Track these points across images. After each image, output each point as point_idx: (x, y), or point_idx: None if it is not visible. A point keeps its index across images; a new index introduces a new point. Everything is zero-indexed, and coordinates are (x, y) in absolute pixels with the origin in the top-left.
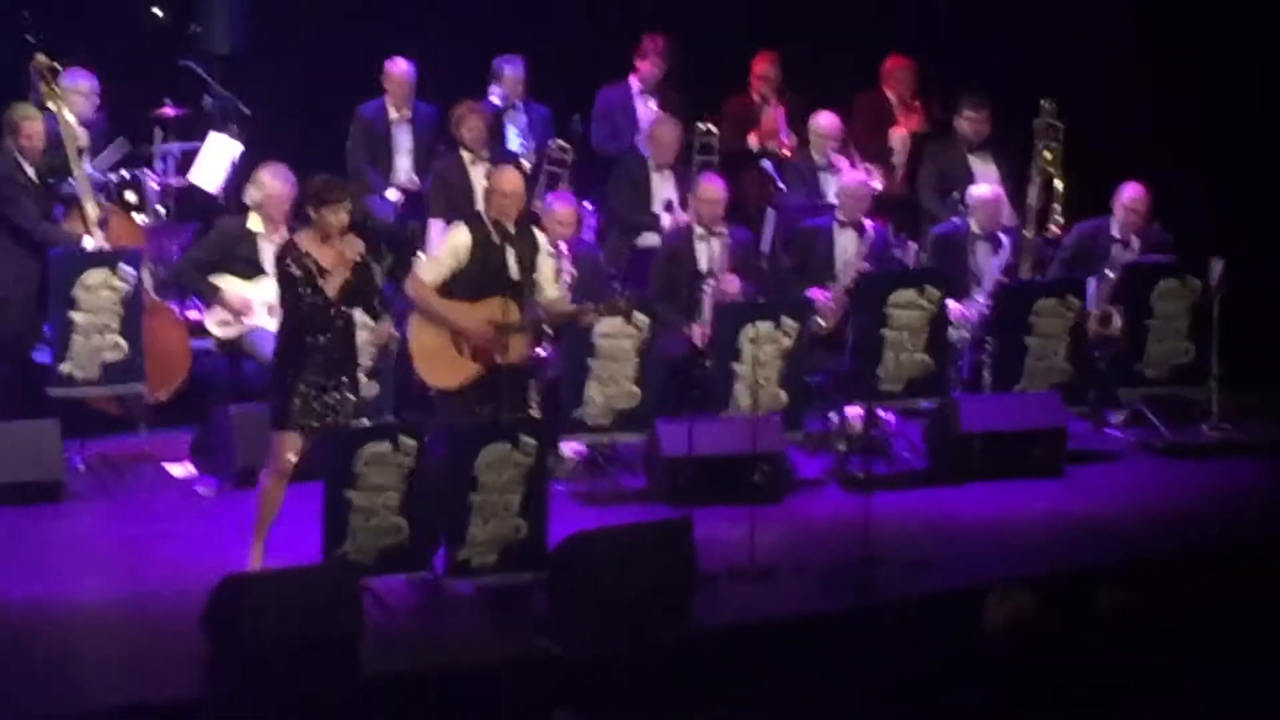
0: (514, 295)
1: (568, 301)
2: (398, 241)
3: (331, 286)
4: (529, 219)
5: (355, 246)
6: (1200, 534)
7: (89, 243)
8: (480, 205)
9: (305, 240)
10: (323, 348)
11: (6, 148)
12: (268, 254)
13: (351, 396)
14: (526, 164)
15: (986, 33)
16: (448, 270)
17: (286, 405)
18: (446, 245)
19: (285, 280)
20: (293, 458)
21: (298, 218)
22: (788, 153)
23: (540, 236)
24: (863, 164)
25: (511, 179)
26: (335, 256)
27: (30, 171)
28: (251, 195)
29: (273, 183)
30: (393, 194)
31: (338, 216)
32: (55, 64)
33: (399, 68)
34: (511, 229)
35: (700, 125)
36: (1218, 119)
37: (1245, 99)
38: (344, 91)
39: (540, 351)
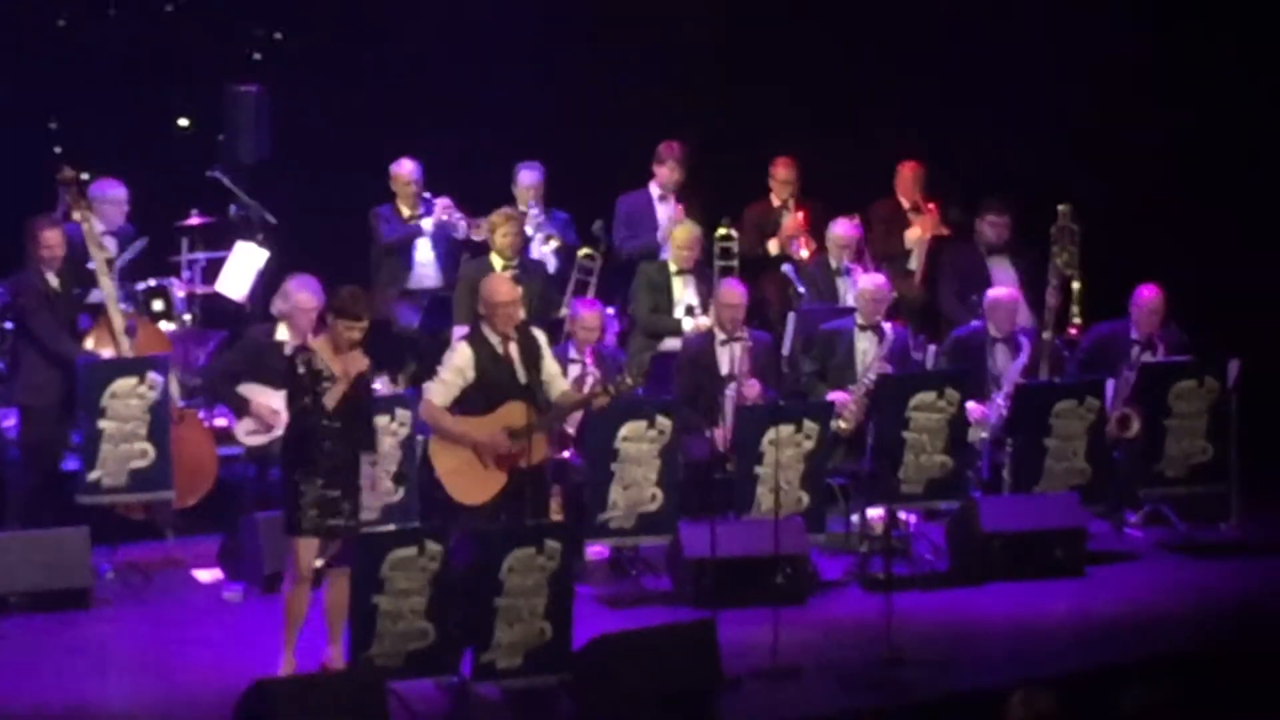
0: (526, 399)
1: (576, 392)
2: (423, 348)
3: (331, 397)
4: (527, 322)
5: (359, 364)
6: (1220, 633)
7: (106, 355)
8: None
9: (318, 345)
10: (327, 453)
11: (29, 259)
12: None
13: (356, 502)
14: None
15: (1004, 135)
16: (456, 389)
17: (298, 511)
18: (450, 365)
19: (292, 382)
20: (312, 563)
21: (320, 323)
22: (806, 254)
23: (538, 334)
24: (877, 269)
25: (506, 287)
26: (340, 367)
27: (54, 282)
28: (278, 306)
29: (299, 294)
30: (428, 224)
31: (352, 333)
32: (82, 175)
33: (404, 168)
34: (512, 334)
35: (720, 230)
36: (1235, 220)
37: (1264, 201)
38: (367, 198)
39: (564, 454)
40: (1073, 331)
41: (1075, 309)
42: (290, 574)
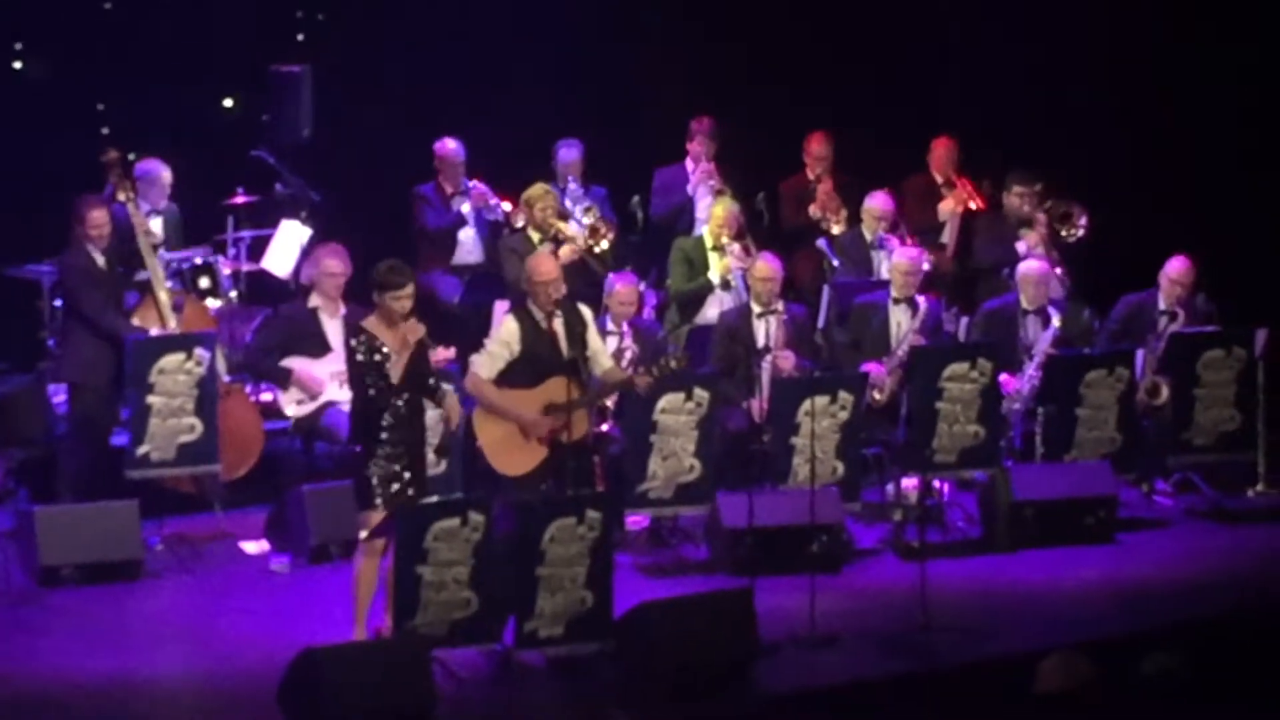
0: (571, 374)
1: (621, 370)
2: (465, 323)
3: (395, 370)
4: (573, 297)
5: (416, 331)
6: (1248, 597)
7: (153, 332)
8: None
9: (371, 324)
10: (391, 427)
11: (76, 238)
12: (331, 330)
13: (422, 473)
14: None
15: (1036, 109)
16: (502, 362)
17: (368, 485)
18: (496, 338)
19: (353, 364)
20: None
21: (366, 302)
22: (838, 229)
23: (585, 310)
24: (912, 242)
25: (547, 264)
26: (399, 340)
27: (100, 261)
28: (308, 273)
29: (327, 260)
30: (466, 208)
31: (400, 302)
32: (127, 156)
33: (448, 147)
34: (557, 310)
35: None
36: (1262, 193)
37: None
38: (409, 176)
39: (603, 427)
40: (1077, 234)
41: (1065, 233)
42: (362, 547)
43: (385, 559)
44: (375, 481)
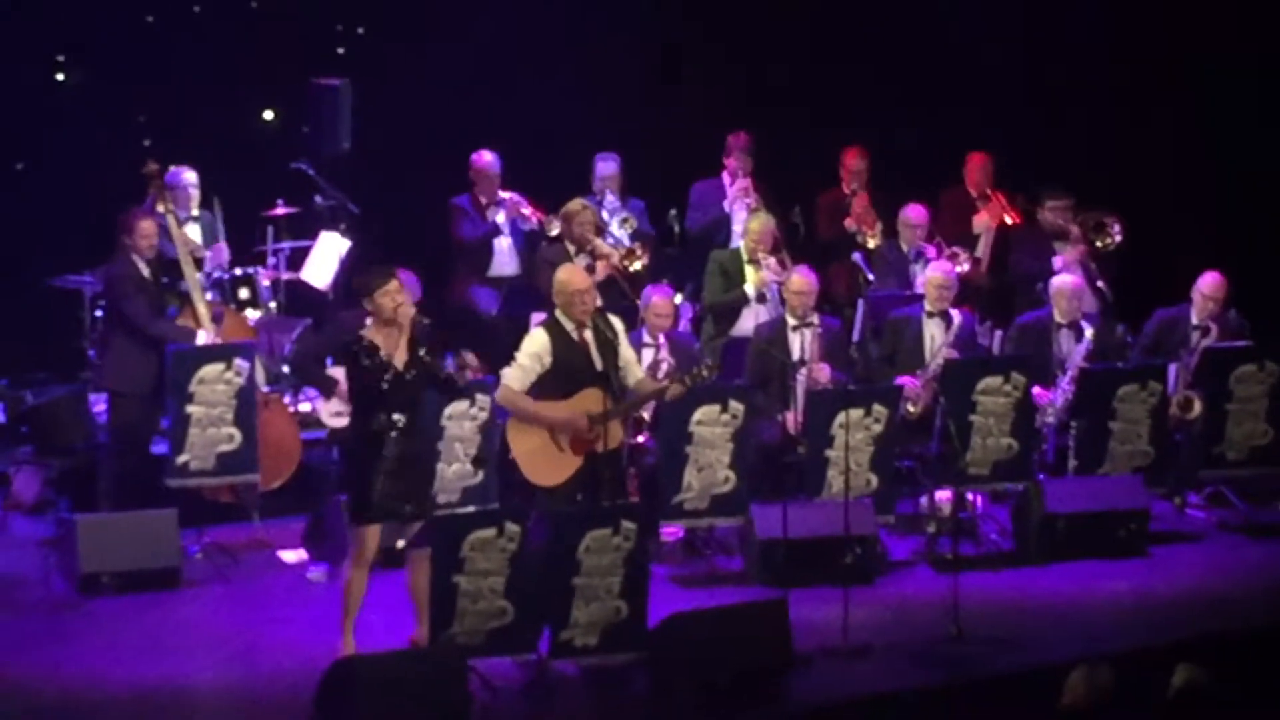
0: (603, 385)
1: (653, 381)
2: (502, 334)
3: (399, 358)
4: (603, 308)
5: (407, 313)
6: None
7: (202, 337)
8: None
9: (369, 332)
10: (394, 440)
11: (123, 247)
12: None
13: (424, 488)
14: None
15: (1070, 124)
16: (533, 375)
17: (364, 498)
18: (527, 351)
19: (356, 371)
20: (373, 548)
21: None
22: (873, 243)
23: (616, 321)
24: (949, 249)
25: (578, 275)
26: (393, 343)
27: (145, 271)
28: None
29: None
30: (501, 218)
31: (389, 297)
32: (167, 168)
33: (484, 159)
34: (588, 321)
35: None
36: None
37: None
38: (447, 188)
39: (639, 438)
40: (1113, 241)
41: (1100, 243)
42: (351, 559)
43: (412, 571)
44: (374, 495)
